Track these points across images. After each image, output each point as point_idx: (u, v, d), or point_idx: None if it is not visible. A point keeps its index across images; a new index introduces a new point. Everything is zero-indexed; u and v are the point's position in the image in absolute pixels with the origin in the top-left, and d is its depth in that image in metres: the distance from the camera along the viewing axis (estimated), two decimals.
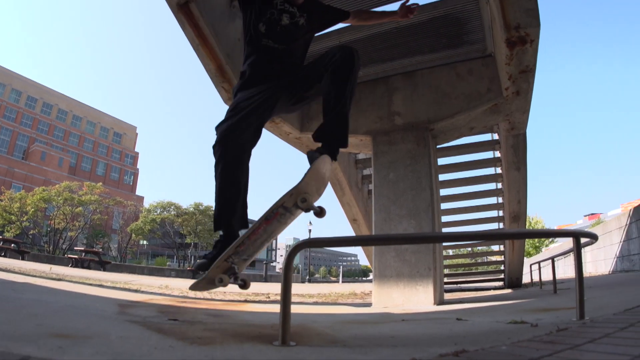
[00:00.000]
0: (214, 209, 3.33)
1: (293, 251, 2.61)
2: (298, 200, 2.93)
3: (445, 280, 14.85)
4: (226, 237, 3.18)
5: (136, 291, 8.12)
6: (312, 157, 3.09)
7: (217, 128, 3.29)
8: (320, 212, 3.03)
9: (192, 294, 8.79)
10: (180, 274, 33.92)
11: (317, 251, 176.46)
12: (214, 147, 3.25)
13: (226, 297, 8.76)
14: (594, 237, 4.46)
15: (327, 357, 2.15)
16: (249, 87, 3.46)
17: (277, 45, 3.49)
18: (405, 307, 6.47)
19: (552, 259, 9.27)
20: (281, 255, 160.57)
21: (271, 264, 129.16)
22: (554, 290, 7.74)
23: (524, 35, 6.17)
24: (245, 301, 7.62)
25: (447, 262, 18.90)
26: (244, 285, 3.10)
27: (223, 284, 2.92)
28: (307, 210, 2.98)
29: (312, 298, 10.21)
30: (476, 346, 2.19)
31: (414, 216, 7.27)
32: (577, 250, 3.32)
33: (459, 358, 1.91)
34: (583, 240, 4.78)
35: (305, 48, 3.79)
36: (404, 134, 7.82)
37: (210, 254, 3.10)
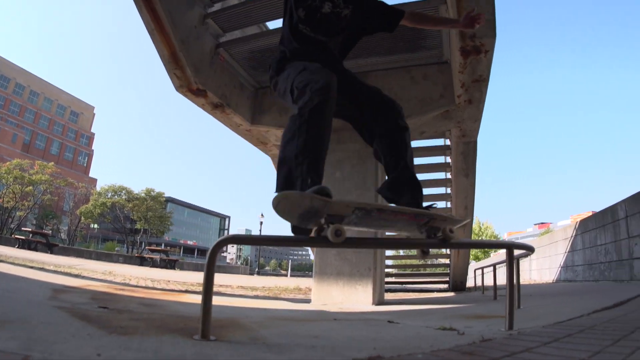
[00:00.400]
0: (304, 159, 2.72)
1: (216, 247, 2.61)
2: (449, 231, 2.78)
3: (393, 280, 15.01)
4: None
5: (77, 276, 7.97)
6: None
7: (313, 82, 2.82)
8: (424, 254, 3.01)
9: (133, 281, 8.70)
10: (128, 260, 33.45)
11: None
12: (317, 90, 2.76)
13: (168, 286, 8.71)
14: (529, 250, 4.60)
15: (240, 354, 2.14)
16: (302, 59, 3.18)
17: (315, 35, 3.30)
18: (344, 306, 6.53)
19: (494, 265, 9.50)
20: (232, 246, 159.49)
21: (221, 254, 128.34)
22: (494, 297, 7.92)
23: (479, 45, 6.24)
24: (186, 291, 7.54)
25: (396, 262, 19.15)
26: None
27: (340, 237, 2.49)
28: (444, 239, 2.83)
29: (256, 291, 10.22)
30: (395, 352, 2.19)
31: None
32: (510, 261, 3.34)
33: None
34: (519, 252, 4.93)
35: (343, 49, 3.58)
36: (352, 134, 7.54)
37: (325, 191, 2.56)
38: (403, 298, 9.36)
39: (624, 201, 10.35)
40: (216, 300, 5.25)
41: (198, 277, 16.86)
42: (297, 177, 2.72)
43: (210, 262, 2.57)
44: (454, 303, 7.31)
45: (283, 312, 5.01)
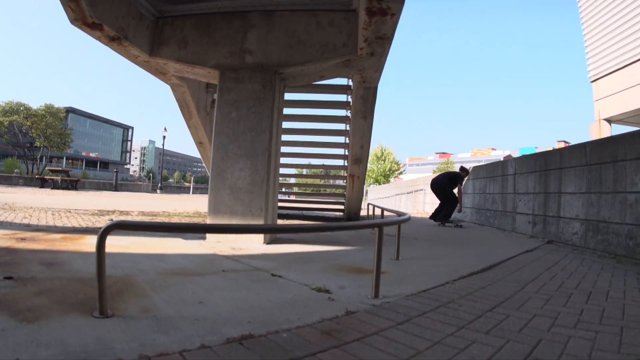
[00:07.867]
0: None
1: (103, 233, 2.74)
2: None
3: (291, 205, 15.46)
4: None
5: None
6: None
7: None
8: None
9: (34, 219, 8.55)
10: (28, 182, 33.31)
11: (172, 155, 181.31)
12: None
13: (69, 221, 8.61)
14: (407, 218, 5.01)
15: (134, 337, 2.40)
16: None
17: None
18: (236, 245, 6.81)
19: (374, 206, 10.01)
20: (135, 158, 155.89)
21: (125, 166, 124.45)
22: None
23: (385, 8, 6.21)
24: (86, 230, 7.42)
25: (300, 180, 19.70)
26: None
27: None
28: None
29: (155, 217, 10.46)
30: (264, 329, 2.59)
31: (250, 157, 7.42)
32: (380, 238, 3.69)
33: (243, 346, 2.29)
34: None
35: None
36: (251, 74, 7.73)
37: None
38: (295, 225, 9.15)
39: (514, 160, 11.25)
40: (111, 247, 5.13)
41: (100, 201, 16.60)
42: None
43: (99, 248, 2.73)
44: (342, 245, 7.55)
45: (175, 261, 5.10)
